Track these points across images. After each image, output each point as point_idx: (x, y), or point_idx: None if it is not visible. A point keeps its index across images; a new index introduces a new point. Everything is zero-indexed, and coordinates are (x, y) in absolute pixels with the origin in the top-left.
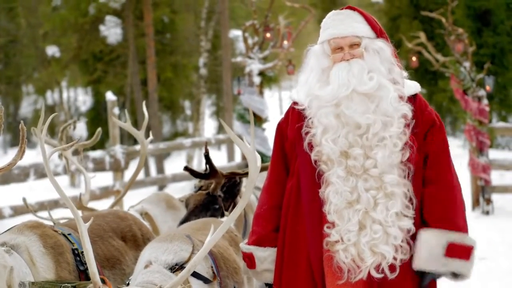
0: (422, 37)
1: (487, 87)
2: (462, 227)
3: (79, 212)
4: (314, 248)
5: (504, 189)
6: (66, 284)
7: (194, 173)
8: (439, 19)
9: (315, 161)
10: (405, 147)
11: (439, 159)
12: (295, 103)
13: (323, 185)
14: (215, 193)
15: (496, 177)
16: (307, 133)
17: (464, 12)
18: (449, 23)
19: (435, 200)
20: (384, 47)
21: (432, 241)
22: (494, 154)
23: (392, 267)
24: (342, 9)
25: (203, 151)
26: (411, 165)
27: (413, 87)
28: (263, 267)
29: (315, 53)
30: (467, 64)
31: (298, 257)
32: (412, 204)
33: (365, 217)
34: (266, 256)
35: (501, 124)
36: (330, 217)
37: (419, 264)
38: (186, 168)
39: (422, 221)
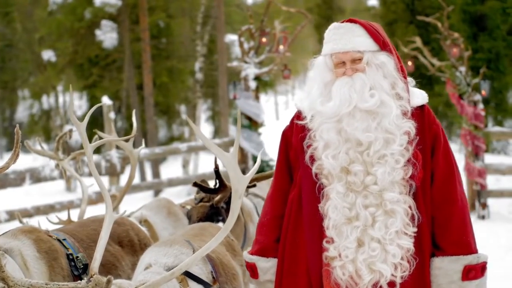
0: (418, 41)
1: (483, 92)
2: (474, 248)
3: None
4: (313, 261)
5: (500, 194)
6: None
7: (204, 189)
8: (435, 24)
9: (316, 175)
10: (407, 164)
11: (447, 177)
12: (299, 112)
13: (323, 199)
14: (219, 205)
15: (492, 182)
16: (309, 146)
17: (460, 16)
18: (445, 28)
19: (447, 224)
20: (387, 60)
21: (448, 268)
22: (489, 158)
23: (391, 284)
24: (343, 21)
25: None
26: (414, 182)
27: (420, 97)
28: (265, 278)
29: (318, 65)
30: (462, 68)
31: (297, 268)
32: (414, 221)
33: (363, 234)
34: (268, 266)
35: (497, 128)
36: (329, 233)
37: None
38: (195, 184)
39: (433, 243)
